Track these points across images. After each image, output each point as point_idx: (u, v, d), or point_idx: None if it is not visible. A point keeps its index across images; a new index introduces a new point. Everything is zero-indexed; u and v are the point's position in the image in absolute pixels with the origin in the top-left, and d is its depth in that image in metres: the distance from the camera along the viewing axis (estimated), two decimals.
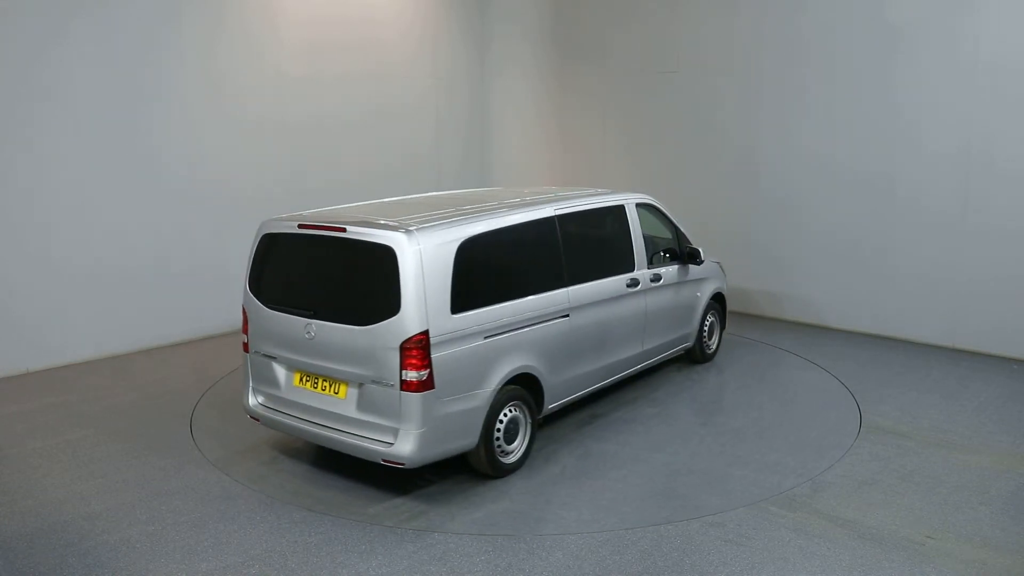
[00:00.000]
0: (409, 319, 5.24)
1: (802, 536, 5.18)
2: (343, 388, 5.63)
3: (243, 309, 6.26)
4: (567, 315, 6.42)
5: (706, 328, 8.54)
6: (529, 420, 6.15)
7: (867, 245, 9.60)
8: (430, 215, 5.87)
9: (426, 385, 5.29)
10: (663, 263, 7.75)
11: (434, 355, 5.31)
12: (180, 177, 9.38)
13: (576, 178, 12.35)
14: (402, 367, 5.27)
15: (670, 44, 11.18)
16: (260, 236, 6.19)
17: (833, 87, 9.66)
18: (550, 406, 6.42)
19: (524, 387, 6.09)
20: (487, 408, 5.72)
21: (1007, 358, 8.66)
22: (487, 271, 5.85)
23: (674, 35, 11.12)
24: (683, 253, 7.99)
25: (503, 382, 5.82)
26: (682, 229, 8.11)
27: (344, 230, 5.63)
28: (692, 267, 8.09)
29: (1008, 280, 8.59)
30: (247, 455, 6.50)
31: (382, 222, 5.62)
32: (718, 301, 8.75)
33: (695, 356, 8.56)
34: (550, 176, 12.75)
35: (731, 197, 10.76)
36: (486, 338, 5.68)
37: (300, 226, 5.89)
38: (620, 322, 7.09)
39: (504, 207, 6.30)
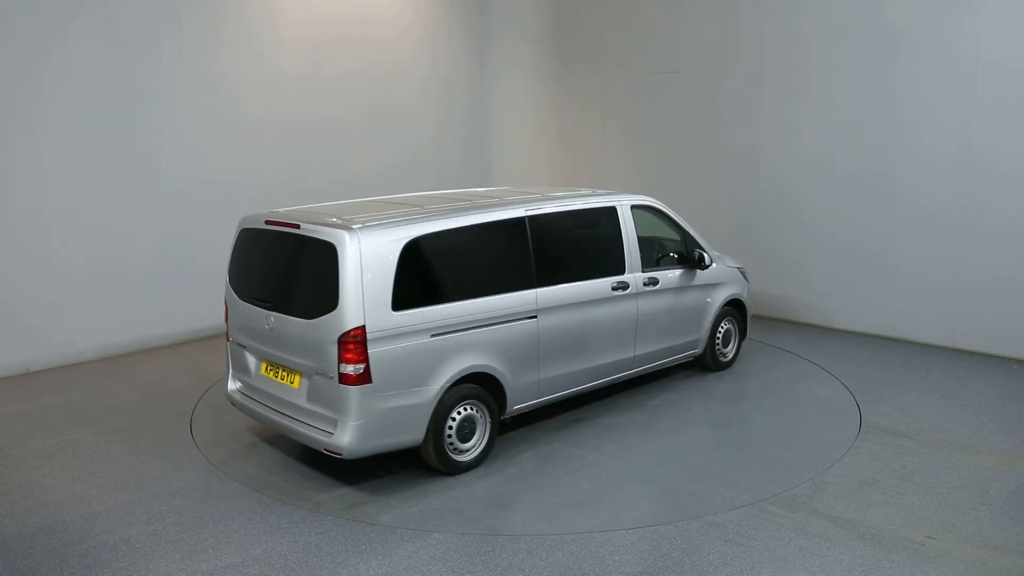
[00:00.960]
0: (346, 314, 5.40)
1: (802, 536, 5.18)
2: (297, 378, 5.85)
3: (225, 300, 6.56)
4: (534, 316, 6.37)
5: (720, 335, 8.23)
6: (488, 420, 6.17)
7: (867, 245, 9.60)
8: (386, 215, 5.99)
9: (363, 379, 5.43)
10: (671, 266, 7.61)
11: (372, 350, 5.44)
12: (180, 177, 9.38)
13: (576, 178, 12.35)
14: (340, 360, 5.43)
15: (670, 44, 11.18)
16: (239, 231, 6.51)
17: (833, 87, 9.66)
18: (515, 407, 6.41)
19: (484, 386, 6.11)
20: (434, 405, 5.79)
21: (1007, 358, 8.66)
22: (436, 270, 5.95)
23: (674, 35, 11.12)
24: (689, 257, 7.78)
25: (453, 380, 5.87)
26: (692, 232, 7.89)
27: (298, 227, 5.84)
28: (702, 272, 7.85)
29: (1008, 280, 8.59)
30: (247, 455, 6.50)
31: (332, 220, 5.79)
32: (737, 308, 8.42)
33: (707, 364, 8.26)
34: (550, 176, 12.75)
35: (731, 198, 10.76)
36: (432, 336, 5.74)
37: (266, 222, 6.16)
38: (605, 325, 6.94)
39: (467, 208, 6.29)
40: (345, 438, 5.50)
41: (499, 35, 12.58)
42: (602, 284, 6.93)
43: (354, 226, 5.58)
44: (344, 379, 5.44)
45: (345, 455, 5.54)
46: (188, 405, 7.54)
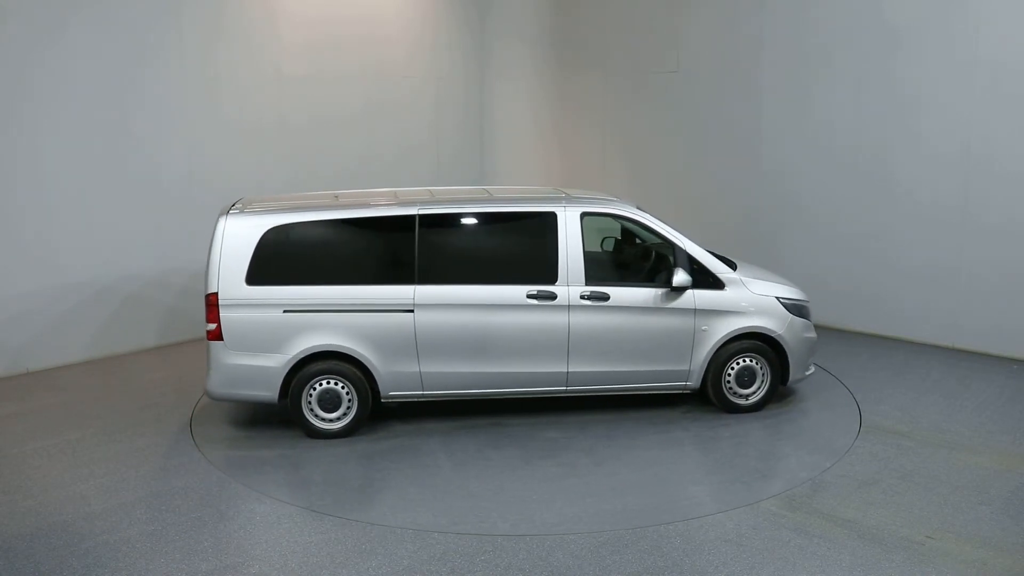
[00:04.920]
0: (208, 281, 6.52)
1: (802, 536, 5.18)
2: None
3: None
4: (411, 311, 6.60)
5: (731, 374, 7.11)
6: (356, 396, 6.67)
7: (867, 245, 9.59)
8: (280, 204, 6.88)
9: (216, 336, 6.51)
10: (639, 284, 6.97)
11: (224, 314, 6.48)
12: (180, 176, 9.38)
13: (574, 176, 12.34)
14: (206, 319, 6.58)
15: (669, 44, 11.17)
16: None
17: (833, 86, 9.65)
18: (392, 393, 6.75)
19: (354, 367, 6.63)
20: (285, 371, 6.55)
21: (1007, 358, 8.66)
22: (295, 255, 6.67)
23: (673, 35, 11.11)
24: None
25: (305, 354, 6.54)
26: (684, 246, 6.97)
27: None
28: (696, 294, 6.90)
29: (1008, 280, 8.58)
30: (247, 455, 6.52)
31: (231, 206, 6.81)
32: (773, 347, 7.08)
33: (714, 403, 7.16)
34: (547, 175, 12.74)
35: (731, 197, 10.76)
36: (284, 312, 6.53)
37: None
38: (516, 334, 6.72)
39: (348, 204, 6.87)
40: (207, 382, 6.66)
41: (498, 34, 12.57)
42: (513, 291, 6.73)
43: (231, 211, 6.66)
44: (207, 334, 6.55)
45: (208, 396, 6.75)
46: (188, 405, 7.53)
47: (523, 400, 7.20)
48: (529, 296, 6.75)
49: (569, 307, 6.79)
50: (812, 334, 7.36)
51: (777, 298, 7.17)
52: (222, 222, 6.57)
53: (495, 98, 12.69)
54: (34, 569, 4.88)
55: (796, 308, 7.25)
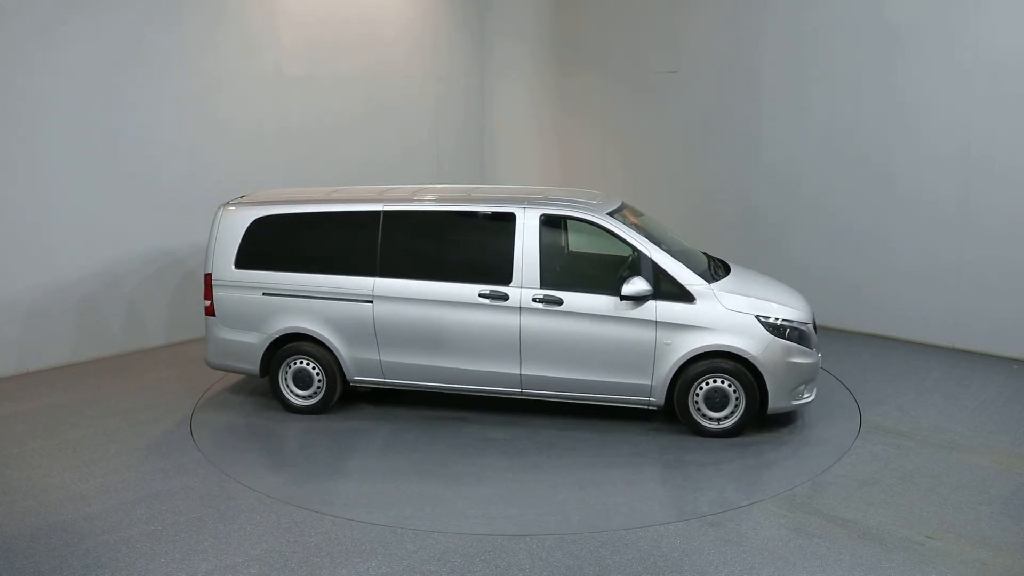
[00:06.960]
0: (206, 263, 7.36)
1: (802, 536, 5.18)
2: None
3: None
4: (370, 301, 6.97)
5: (699, 395, 6.60)
6: (324, 377, 7.17)
7: (867, 245, 9.59)
8: (271, 198, 7.54)
9: (209, 312, 7.35)
10: (597, 290, 6.65)
11: (215, 293, 7.29)
12: (179, 176, 9.38)
13: (573, 177, 12.34)
14: (203, 296, 7.44)
15: (669, 44, 11.18)
16: None
17: (834, 86, 9.66)
18: (358, 378, 7.18)
19: (325, 350, 7.12)
20: (264, 348, 7.21)
21: (1007, 358, 8.66)
22: (274, 244, 7.28)
23: (673, 35, 11.12)
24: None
25: (280, 334, 7.16)
26: (650, 253, 6.62)
27: None
28: (658, 305, 6.50)
29: (1008, 280, 8.58)
30: (247, 454, 6.53)
31: (233, 199, 7.64)
32: (750, 370, 6.49)
33: (683, 425, 6.71)
34: (547, 175, 12.75)
35: (731, 198, 10.76)
36: (264, 294, 7.18)
37: None
38: (468, 332, 6.78)
39: (323, 199, 7.40)
40: (205, 353, 7.53)
41: (498, 34, 12.57)
42: (465, 289, 6.78)
43: (229, 204, 7.46)
44: (204, 310, 7.40)
45: (207, 365, 7.57)
46: (188, 405, 7.54)
47: (499, 399, 7.16)
48: (481, 295, 6.78)
49: (521, 309, 6.71)
50: (805, 359, 6.59)
51: (756, 316, 6.52)
52: (220, 212, 7.41)
53: (495, 98, 12.69)
54: (34, 569, 4.89)
55: (784, 329, 6.55)
